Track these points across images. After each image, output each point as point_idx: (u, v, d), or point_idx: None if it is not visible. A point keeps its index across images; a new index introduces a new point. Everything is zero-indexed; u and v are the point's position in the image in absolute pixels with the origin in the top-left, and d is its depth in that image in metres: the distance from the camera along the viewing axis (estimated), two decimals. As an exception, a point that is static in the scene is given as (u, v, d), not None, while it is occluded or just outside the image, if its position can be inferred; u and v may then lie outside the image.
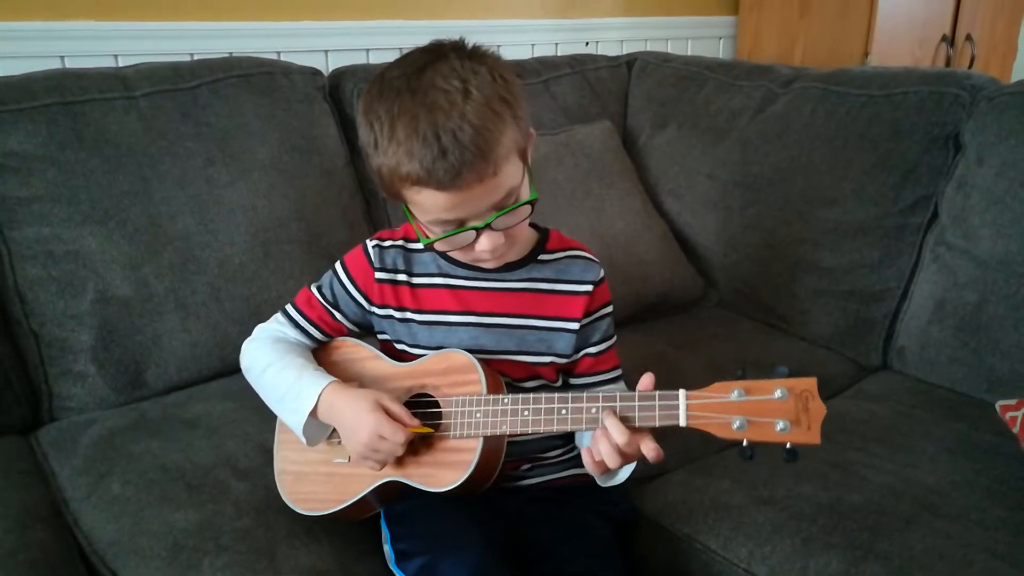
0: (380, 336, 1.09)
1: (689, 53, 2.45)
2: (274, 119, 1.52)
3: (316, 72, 1.64)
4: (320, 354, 1.09)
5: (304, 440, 1.01)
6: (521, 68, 1.88)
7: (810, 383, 0.81)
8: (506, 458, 0.99)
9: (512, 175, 0.90)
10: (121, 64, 1.58)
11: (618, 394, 0.88)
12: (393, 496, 1.01)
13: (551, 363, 1.04)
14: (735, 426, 0.82)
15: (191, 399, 1.34)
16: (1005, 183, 1.38)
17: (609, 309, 1.08)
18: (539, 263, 1.05)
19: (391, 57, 0.95)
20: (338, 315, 1.07)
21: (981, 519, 1.05)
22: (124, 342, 1.34)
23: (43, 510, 1.09)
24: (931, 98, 1.52)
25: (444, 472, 0.95)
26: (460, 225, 0.91)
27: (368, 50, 1.92)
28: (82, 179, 1.33)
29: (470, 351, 0.98)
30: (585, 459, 0.92)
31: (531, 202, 0.93)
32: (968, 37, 2.36)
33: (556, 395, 0.91)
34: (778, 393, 0.81)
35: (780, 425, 0.81)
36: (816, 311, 1.63)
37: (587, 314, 1.05)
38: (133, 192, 1.37)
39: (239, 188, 1.45)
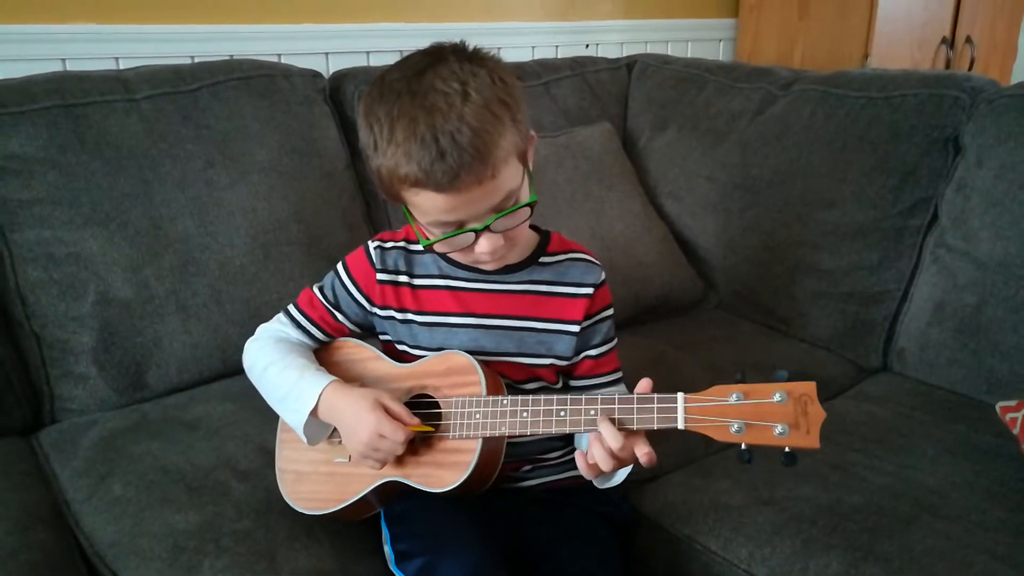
0: (382, 337, 1.09)
1: (689, 55, 2.45)
2: (274, 121, 1.53)
3: (316, 74, 1.65)
4: (321, 354, 1.09)
5: (305, 439, 1.01)
6: (521, 70, 1.88)
7: (809, 387, 0.81)
8: (506, 459, 0.99)
9: (511, 177, 0.90)
10: (122, 67, 1.58)
11: (616, 396, 0.89)
12: (393, 496, 1.01)
13: (551, 365, 1.05)
14: (733, 429, 0.82)
15: (192, 401, 1.34)
16: (1004, 185, 1.38)
17: (610, 312, 1.08)
18: (540, 265, 1.05)
19: (391, 59, 0.95)
20: (339, 316, 1.08)
21: (981, 520, 1.05)
22: (125, 344, 1.34)
23: (44, 511, 1.09)
24: (931, 100, 1.52)
25: (443, 472, 0.95)
26: (459, 227, 0.91)
27: (368, 52, 1.92)
28: (83, 181, 1.34)
29: (470, 352, 0.98)
30: (579, 461, 0.92)
31: (530, 204, 0.93)
32: (968, 39, 2.36)
33: (555, 397, 0.92)
34: (777, 397, 0.81)
35: (779, 429, 0.81)
36: (816, 313, 1.63)
37: (587, 317, 1.05)
38: (134, 194, 1.37)
39: (239, 190, 1.45)
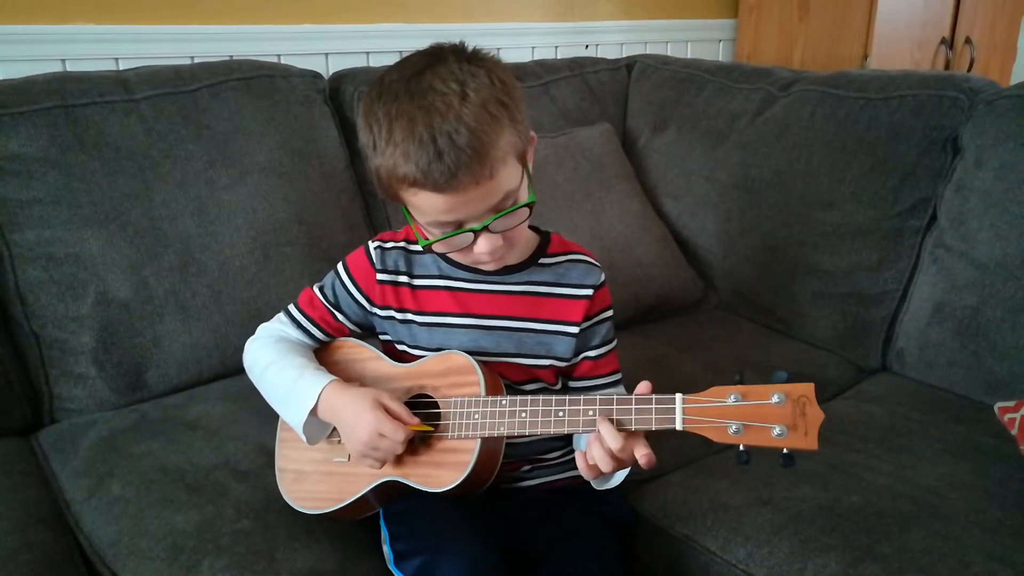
0: (381, 337, 1.09)
1: (689, 56, 2.46)
2: (274, 122, 1.53)
3: (316, 75, 1.65)
4: (321, 354, 1.09)
5: (304, 439, 1.01)
6: (521, 71, 1.89)
7: (808, 388, 0.82)
8: (506, 459, 0.99)
9: (509, 178, 0.90)
10: (122, 67, 1.58)
11: (615, 397, 0.89)
12: (392, 496, 1.01)
13: (550, 366, 1.05)
14: (731, 431, 0.82)
15: (191, 401, 1.34)
16: (1004, 186, 1.38)
17: (609, 313, 1.08)
18: (540, 266, 1.05)
19: (391, 60, 0.96)
20: (339, 316, 1.08)
21: (979, 520, 1.05)
22: (125, 344, 1.34)
23: (44, 511, 1.10)
24: (930, 101, 1.52)
25: (442, 472, 0.95)
26: (458, 227, 0.91)
27: (368, 53, 1.92)
28: (83, 182, 1.34)
29: (470, 353, 0.99)
30: (579, 462, 0.92)
31: (529, 205, 0.93)
32: (967, 40, 2.36)
33: (554, 398, 0.92)
34: (775, 398, 0.81)
35: (777, 430, 0.81)
36: (815, 313, 1.64)
37: (587, 318, 1.05)
38: (134, 195, 1.37)
39: (239, 191, 1.45)
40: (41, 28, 1.56)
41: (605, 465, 0.88)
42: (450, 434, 0.96)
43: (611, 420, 0.87)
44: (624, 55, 2.23)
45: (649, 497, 1.17)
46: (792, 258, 1.66)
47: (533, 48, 2.19)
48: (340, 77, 1.71)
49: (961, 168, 1.47)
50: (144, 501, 1.08)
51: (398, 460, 0.98)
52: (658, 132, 1.96)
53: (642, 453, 0.87)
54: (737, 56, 2.57)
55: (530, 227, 1.04)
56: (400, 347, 1.06)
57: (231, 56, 1.68)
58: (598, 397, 0.90)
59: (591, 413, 0.89)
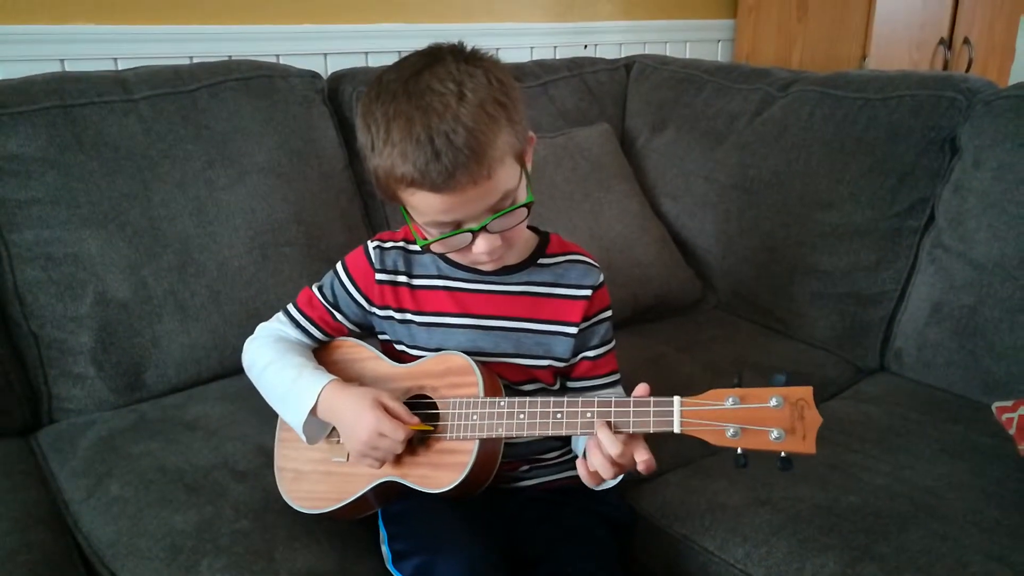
0: (381, 336, 1.09)
1: (687, 56, 2.46)
2: (273, 122, 1.53)
3: (315, 75, 1.65)
4: (320, 354, 1.09)
5: (304, 438, 1.01)
6: (520, 71, 1.89)
7: (806, 392, 0.81)
8: (504, 459, 0.99)
9: (507, 178, 0.90)
10: (121, 67, 1.58)
11: (613, 399, 0.89)
12: (391, 496, 1.01)
13: (549, 366, 1.05)
14: (729, 434, 0.82)
15: (190, 401, 1.34)
16: (1001, 186, 1.38)
17: (608, 314, 1.08)
18: (539, 267, 1.05)
19: (390, 60, 0.96)
20: (339, 315, 1.08)
21: (977, 520, 1.05)
22: (123, 344, 1.34)
23: (43, 511, 1.10)
24: (928, 101, 1.52)
25: (440, 473, 0.95)
26: (456, 227, 0.91)
27: (367, 53, 1.92)
28: (82, 182, 1.34)
29: (468, 353, 0.99)
30: (580, 470, 0.92)
31: (527, 205, 0.93)
32: (966, 40, 2.36)
33: (552, 399, 0.92)
34: (773, 401, 0.81)
35: (775, 434, 0.81)
36: (814, 313, 1.64)
37: (585, 318, 1.05)
38: (132, 195, 1.37)
39: (238, 191, 1.45)
40: (40, 28, 1.56)
41: (606, 472, 0.88)
42: (448, 435, 0.96)
43: (609, 425, 0.87)
44: (623, 55, 2.23)
45: (647, 497, 1.17)
46: (791, 258, 1.66)
47: (532, 48, 2.19)
48: (339, 77, 1.71)
49: (959, 168, 1.47)
50: (143, 501, 1.09)
51: (397, 461, 0.98)
52: (657, 132, 1.96)
53: (642, 459, 0.87)
54: (736, 56, 2.58)
55: (529, 227, 1.04)
56: (399, 347, 1.06)
57: (230, 56, 1.68)
58: (596, 399, 0.89)
59: (589, 415, 0.89)
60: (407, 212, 0.94)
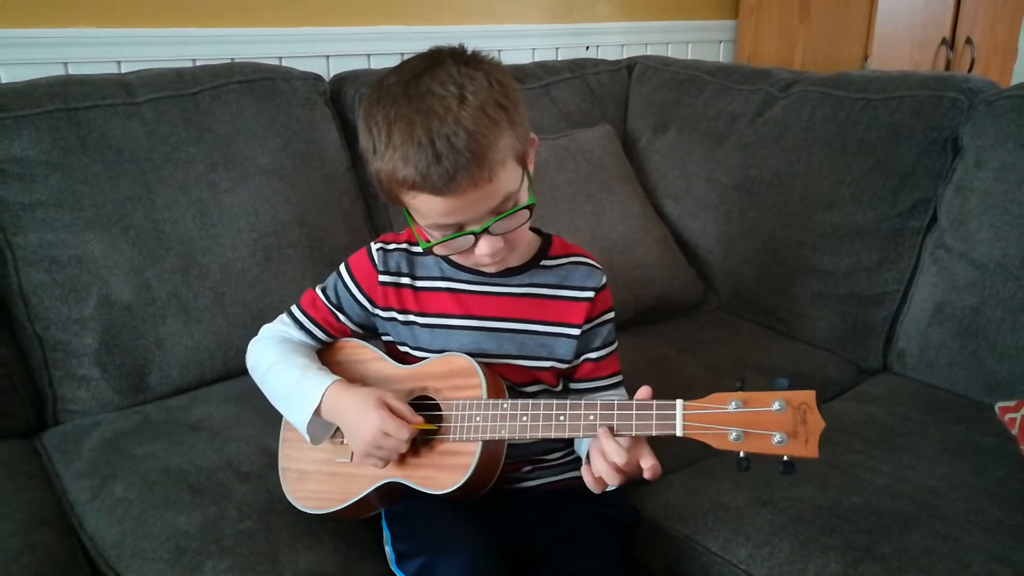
0: (384, 338, 1.10)
1: (689, 57, 2.46)
2: (275, 124, 1.53)
3: (317, 77, 1.65)
4: (324, 355, 1.10)
5: (308, 439, 1.02)
6: (521, 73, 1.89)
7: (809, 396, 0.81)
8: (507, 460, 0.99)
9: (509, 180, 0.90)
10: (124, 70, 1.59)
11: (616, 402, 0.89)
12: (394, 497, 1.02)
13: (552, 368, 1.05)
14: (732, 437, 0.82)
15: (194, 402, 1.35)
16: (1003, 186, 1.38)
17: (610, 315, 1.08)
18: (541, 268, 1.05)
19: (392, 62, 0.96)
20: (342, 317, 1.08)
21: (979, 521, 1.05)
22: (127, 346, 1.34)
23: (48, 513, 1.10)
24: (929, 102, 1.52)
25: (443, 475, 0.95)
26: (458, 229, 0.91)
27: (369, 55, 1.93)
28: (85, 185, 1.34)
29: (471, 355, 0.99)
30: (585, 477, 0.91)
31: (529, 207, 0.94)
32: (968, 40, 2.36)
33: (555, 402, 0.92)
34: (776, 405, 0.81)
35: (777, 438, 0.80)
36: (816, 314, 1.64)
37: (588, 320, 1.05)
38: (136, 197, 1.38)
39: (241, 193, 1.46)
40: (43, 32, 1.56)
41: (611, 479, 0.88)
42: (452, 436, 0.96)
43: (612, 431, 0.87)
44: (625, 56, 2.23)
45: (650, 497, 1.17)
46: (792, 259, 1.66)
47: (533, 50, 2.19)
48: (341, 79, 1.71)
49: (961, 169, 1.47)
50: (147, 502, 1.09)
51: (400, 462, 0.98)
52: (659, 133, 1.96)
53: (648, 465, 0.87)
54: (737, 57, 2.58)
55: (531, 229, 1.04)
56: (402, 348, 1.07)
57: (232, 59, 1.68)
58: (599, 402, 0.90)
59: (592, 418, 0.89)
60: (409, 215, 0.95)
